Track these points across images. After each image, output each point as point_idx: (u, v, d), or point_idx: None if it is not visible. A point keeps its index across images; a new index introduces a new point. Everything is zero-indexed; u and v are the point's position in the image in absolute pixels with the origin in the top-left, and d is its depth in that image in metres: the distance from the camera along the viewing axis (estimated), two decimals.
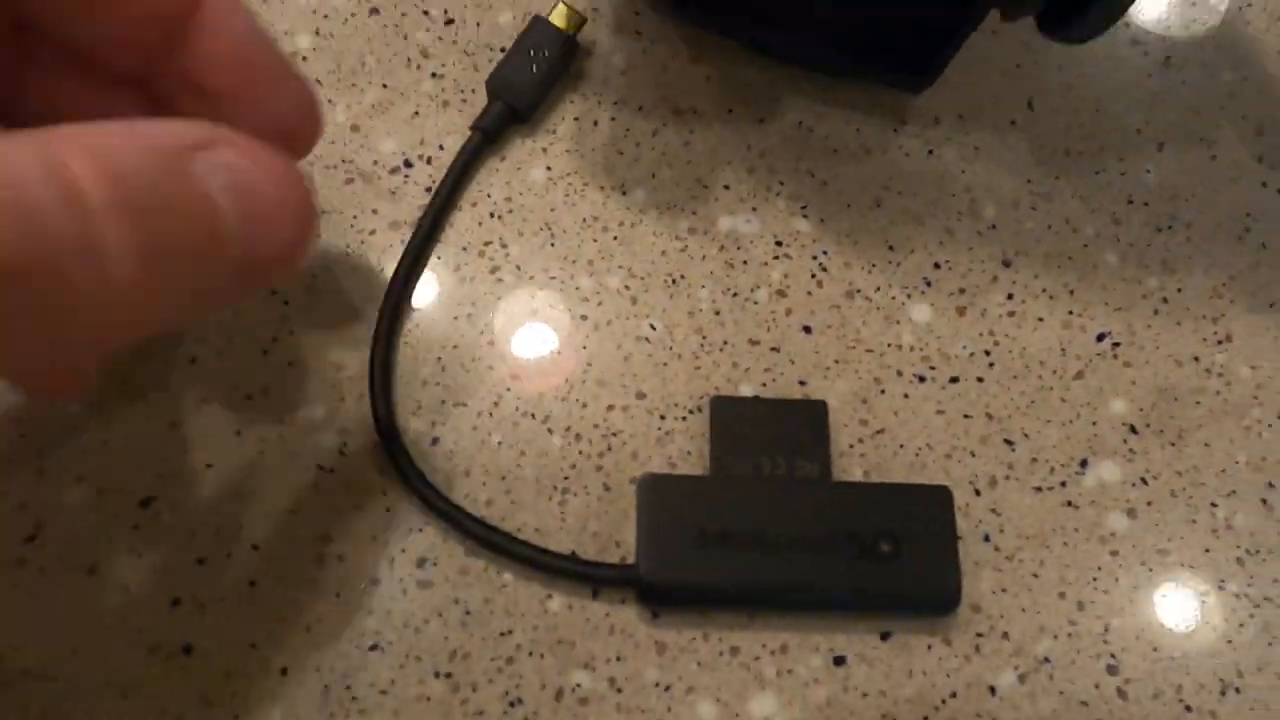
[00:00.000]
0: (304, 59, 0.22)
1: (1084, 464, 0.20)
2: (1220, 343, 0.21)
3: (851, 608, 0.18)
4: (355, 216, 0.21)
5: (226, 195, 0.12)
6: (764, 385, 0.20)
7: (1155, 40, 0.24)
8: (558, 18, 0.21)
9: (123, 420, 0.19)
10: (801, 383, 0.20)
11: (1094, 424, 0.20)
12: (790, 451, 0.19)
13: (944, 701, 0.18)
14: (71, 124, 0.12)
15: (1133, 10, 0.24)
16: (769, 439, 0.19)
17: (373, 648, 0.18)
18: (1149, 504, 0.19)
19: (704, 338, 0.20)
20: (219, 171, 0.12)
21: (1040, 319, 0.21)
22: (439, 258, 0.21)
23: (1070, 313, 0.21)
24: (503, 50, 0.22)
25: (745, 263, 0.21)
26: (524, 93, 0.21)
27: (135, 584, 0.18)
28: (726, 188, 0.22)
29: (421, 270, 0.20)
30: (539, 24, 0.21)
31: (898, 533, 0.18)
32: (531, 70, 0.21)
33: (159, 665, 0.17)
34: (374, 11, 0.23)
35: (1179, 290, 0.21)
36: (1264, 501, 0.19)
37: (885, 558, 0.18)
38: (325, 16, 0.22)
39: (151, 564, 0.18)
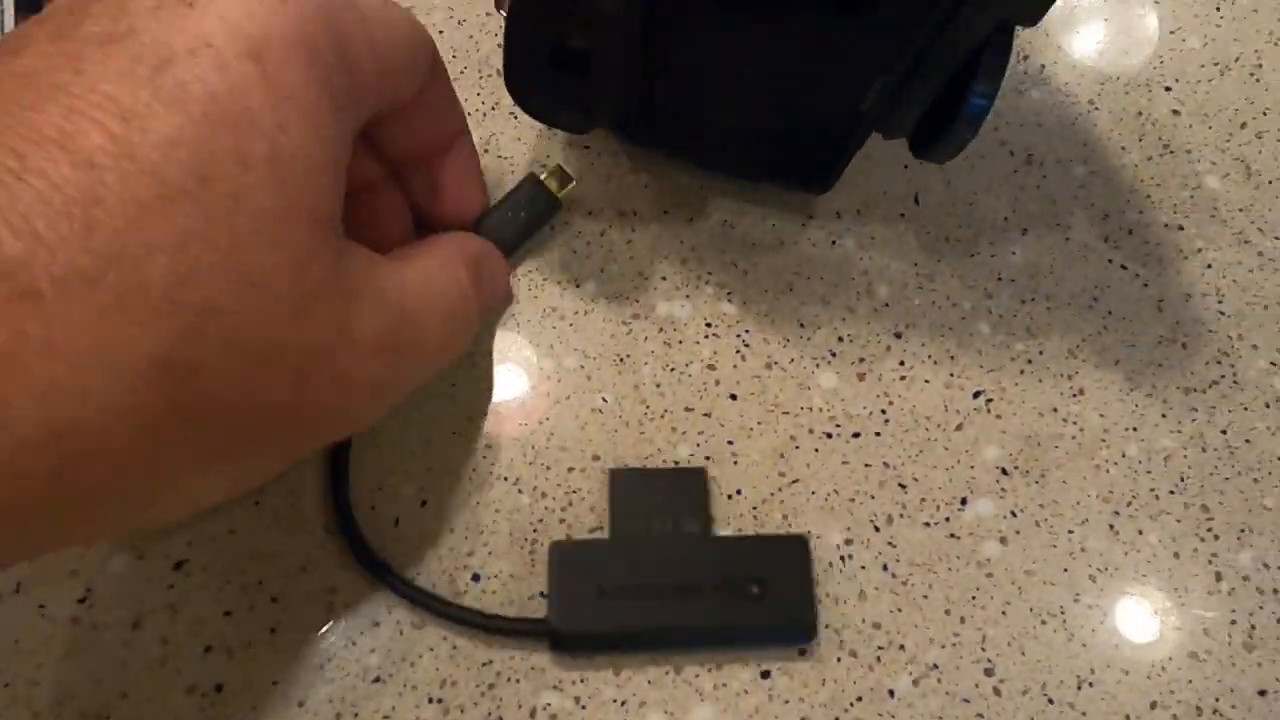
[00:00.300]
0: None
1: (964, 502, 0.24)
2: (1075, 396, 0.25)
3: (728, 643, 0.21)
4: None
5: (485, 280, 0.22)
6: (698, 445, 0.24)
7: (1019, 141, 0.28)
8: (550, 179, 0.25)
9: None
10: (729, 442, 0.24)
11: (972, 468, 0.24)
12: (676, 512, 0.22)
13: (852, 704, 0.21)
14: (440, 242, 0.21)
15: (999, 116, 0.29)
16: (658, 503, 0.22)
17: (375, 680, 0.21)
18: (1017, 533, 0.23)
19: (647, 407, 0.24)
20: (484, 266, 0.22)
21: (926, 381, 0.25)
22: None
23: (951, 375, 0.25)
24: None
25: (681, 342, 0.25)
26: (506, 239, 0.24)
27: (173, 635, 0.21)
28: (663, 278, 0.26)
29: None
30: (531, 181, 0.25)
31: (764, 577, 0.21)
32: (516, 221, 0.24)
33: (196, 702, 0.20)
34: None
35: (1040, 352, 0.26)
36: (1111, 527, 0.24)
37: (754, 598, 0.21)
38: None
39: (186, 617, 0.21)
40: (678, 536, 0.22)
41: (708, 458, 0.24)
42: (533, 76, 0.21)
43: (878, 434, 0.24)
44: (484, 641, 0.21)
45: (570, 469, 0.23)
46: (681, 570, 0.21)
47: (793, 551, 0.22)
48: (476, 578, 0.22)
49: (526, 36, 0.20)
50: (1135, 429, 0.25)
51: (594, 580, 0.21)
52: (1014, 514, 0.24)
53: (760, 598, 0.21)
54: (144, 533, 0.22)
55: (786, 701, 0.21)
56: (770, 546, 0.22)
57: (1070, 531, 0.23)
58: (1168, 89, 0.29)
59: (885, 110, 0.22)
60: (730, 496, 0.23)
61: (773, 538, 0.22)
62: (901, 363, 0.25)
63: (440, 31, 0.28)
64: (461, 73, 0.28)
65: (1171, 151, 0.28)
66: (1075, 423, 0.25)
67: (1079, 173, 0.28)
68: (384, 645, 0.21)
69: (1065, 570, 0.23)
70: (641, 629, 0.21)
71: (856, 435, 0.24)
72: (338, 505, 0.22)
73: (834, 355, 0.25)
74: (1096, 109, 0.29)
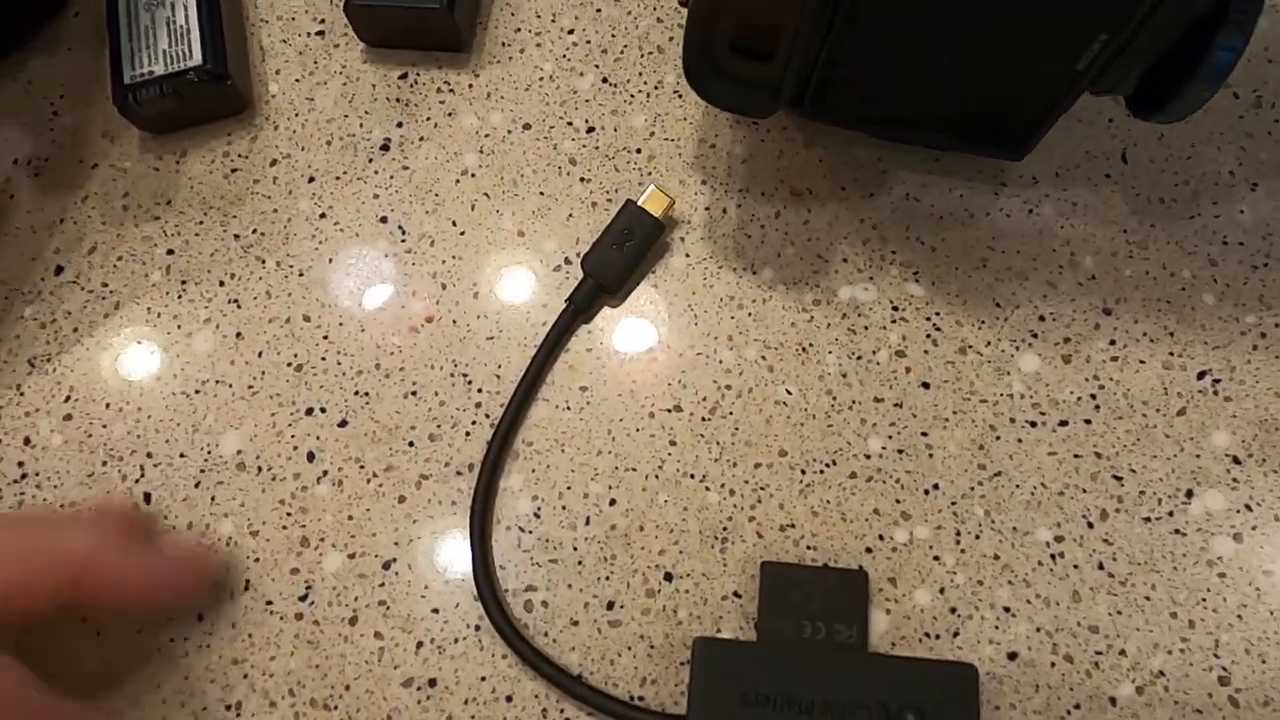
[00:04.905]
0: (472, 175, 0.26)
1: (1190, 494, 0.22)
2: None
3: None
4: (528, 310, 0.25)
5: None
6: (890, 438, 0.23)
7: (1244, 81, 0.25)
8: (650, 203, 0.24)
9: (360, 498, 0.23)
10: (923, 434, 0.23)
11: (1197, 456, 0.22)
12: (831, 616, 0.21)
13: (1069, 712, 0.20)
14: None
15: None
16: (813, 604, 0.21)
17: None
18: (1254, 529, 0.21)
19: (834, 398, 0.23)
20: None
21: (1142, 361, 0.23)
22: (600, 343, 0.24)
23: (1171, 353, 0.23)
24: (637, 151, 0.25)
25: (866, 328, 0.24)
26: (612, 272, 0.24)
27: (387, 630, 0.22)
28: (844, 260, 0.24)
29: (524, 416, 0.24)
30: (630, 208, 0.24)
31: (923, 706, 0.19)
32: (619, 253, 0.24)
33: (413, 695, 0.22)
34: (526, 127, 0.26)
35: (1277, 325, 0.23)
36: None
37: None
38: (486, 135, 0.26)
39: (397, 614, 0.22)
40: (831, 646, 0.20)
41: (900, 451, 0.23)
42: (715, 65, 0.20)
43: (1088, 421, 0.23)
44: None
45: (757, 465, 0.23)
46: (832, 687, 0.20)
47: (958, 682, 0.20)
48: (669, 577, 0.22)
49: (710, 21, 0.19)
50: None
51: (738, 685, 0.20)
52: (1249, 507, 0.22)
53: None
54: (354, 534, 0.23)
55: (997, 708, 0.20)
56: (933, 674, 0.20)
57: None
58: None
59: (1104, 68, 0.20)
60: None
61: (937, 663, 0.20)
62: (1112, 342, 0.23)
63: (599, 10, 0.27)
64: (623, 51, 0.27)
65: None
66: None
67: None
68: (583, 643, 0.22)
69: None
70: None
71: (1064, 424, 0.23)
72: (481, 595, 0.22)
73: (1035, 336, 0.23)
74: None
